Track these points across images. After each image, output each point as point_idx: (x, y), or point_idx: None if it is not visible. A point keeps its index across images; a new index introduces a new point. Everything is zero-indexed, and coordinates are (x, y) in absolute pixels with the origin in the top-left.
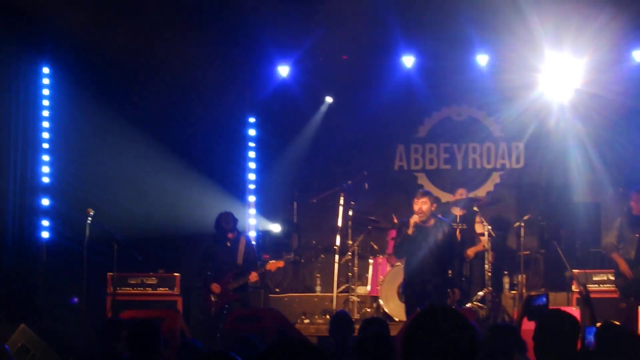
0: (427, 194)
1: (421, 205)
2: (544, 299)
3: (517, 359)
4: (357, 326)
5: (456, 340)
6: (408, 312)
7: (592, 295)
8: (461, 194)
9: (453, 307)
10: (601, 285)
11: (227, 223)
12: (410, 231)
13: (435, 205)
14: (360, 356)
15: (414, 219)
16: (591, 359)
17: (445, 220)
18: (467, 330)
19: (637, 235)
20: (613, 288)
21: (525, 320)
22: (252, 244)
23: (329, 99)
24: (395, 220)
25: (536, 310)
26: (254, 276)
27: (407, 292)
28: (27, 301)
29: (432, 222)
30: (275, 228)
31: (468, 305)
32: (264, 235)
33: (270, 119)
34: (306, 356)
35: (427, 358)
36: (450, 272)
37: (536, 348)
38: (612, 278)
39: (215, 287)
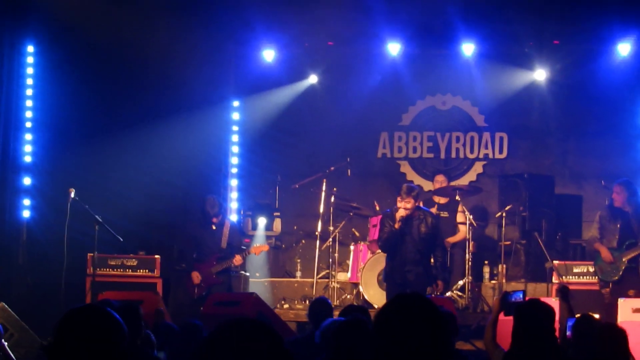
0: (412, 191)
1: (405, 204)
2: (521, 295)
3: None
4: (336, 312)
5: (423, 328)
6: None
7: (571, 287)
8: (438, 180)
9: (432, 295)
10: (581, 277)
11: (212, 207)
12: (396, 226)
13: (420, 201)
14: (338, 342)
15: (401, 213)
16: (569, 350)
17: (428, 211)
18: (435, 319)
19: (618, 225)
20: (593, 280)
21: (501, 315)
22: (237, 228)
23: (313, 79)
24: (377, 208)
25: (513, 305)
26: (238, 260)
27: (389, 282)
28: (6, 280)
29: (415, 213)
30: (261, 222)
31: (448, 294)
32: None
33: (255, 102)
34: (257, 334)
35: (396, 344)
36: (432, 261)
37: (515, 338)
38: (592, 270)
39: (196, 277)
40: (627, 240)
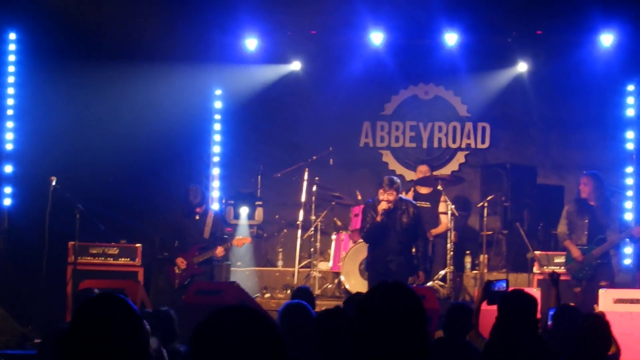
0: (393, 183)
1: (388, 196)
2: (504, 284)
3: (470, 336)
4: (317, 302)
5: (405, 317)
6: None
7: None
8: (421, 170)
9: (413, 285)
10: (562, 267)
11: (195, 197)
12: (379, 219)
13: (403, 192)
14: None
15: (383, 206)
16: (549, 339)
17: (410, 201)
18: (417, 309)
19: (586, 220)
20: None
21: (484, 304)
22: (220, 219)
23: (296, 67)
24: (360, 197)
25: (496, 294)
26: (220, 251)
27: (371, 271)
28: None
29: (397, 204)
30: (243, 211)
31: (429, 284)
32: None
33: (237, 91)
34: (248, 320)
35: (376, 332)
36: (414, 250)
37: (498, 328)
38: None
39: (181, 262)
40: (596, 236)
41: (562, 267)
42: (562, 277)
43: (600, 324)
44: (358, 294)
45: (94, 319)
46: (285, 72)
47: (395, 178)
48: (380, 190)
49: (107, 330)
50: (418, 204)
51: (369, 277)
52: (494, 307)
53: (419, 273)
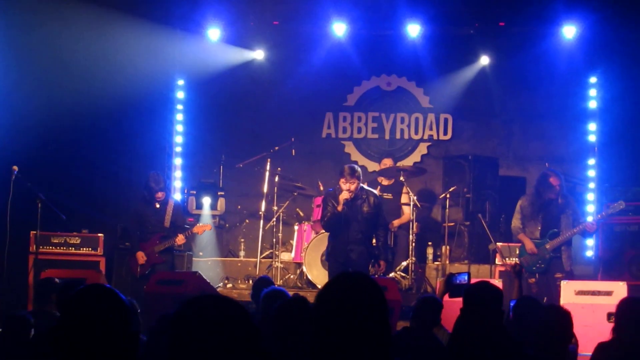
0: (354, 172)
1: (349, 186)
2: (465, 277)
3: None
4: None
5: (366, 308)
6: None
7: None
8: (385, 164)
9: (375, 275)
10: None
11: (157, 183)
12: (340, 208)
13: (365, 182)
14: (280, 321)
15: (344, 195)
16: (510, 330)
17: (371, 191)
18: (379, 300)
19: (541, 214)
20: None
21: (446, 297)
22: (180, 208)
23: (258, 58)
24: (322, 188)
25: (457, 287)
26: (180, 239)
27: (331, 261)
28: None
29: (358, 193)
30: (205, 201)
31: (391, 275)
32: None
33: (200, 82)
34: (223, 309)
35: (337, 323)
36: (374, 241)
37: (463, 319)
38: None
39: (142, 257)
40: (550, 230)
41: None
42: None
43: (563, 315)
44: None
45: (84, 311)
46: (248, 63)
47: (356, 167)
48: (342, 180)
49: (97, 322)
50: (380, 195)
51: (329, 267)
52: (456, 300)
53: (380, 262)
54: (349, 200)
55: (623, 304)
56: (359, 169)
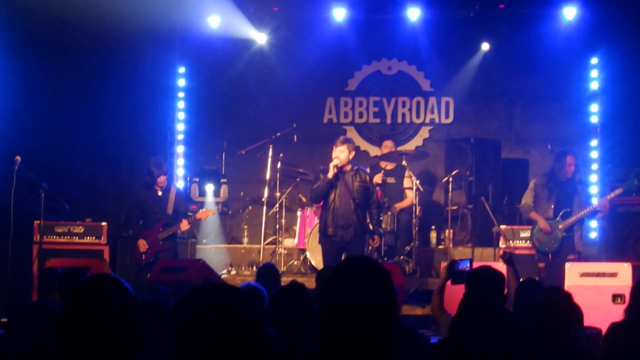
0: (346, 141)
1: (339, 153)
2: (467, 263)
3: (435, 313)
4: (283, 278)
5: (374, 292)
6: (326, 261)
7: (518, 252)
8: (386, 146)
9: (379, 260)
10: (528, 241)
11: (159, 167)
12: (330, 174)
13: (353, 152)
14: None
15: (334, 162)
16: (514, 314)
17: (362, 169)
18: (385, 283)
19: (554, 194)
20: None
21: (448, 283)
22: (183, 194)
23: (258, 44)
24: None
25: (460, 273)
26: (184, 225)
27: (325, 242)
28: None
29: (348, 167)
30: (208, 188)
31: (395, 259)
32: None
33: (201, 69)
34: (227, 298)
35: (344, 310)
36: (368, 220)
37: (466, 304)
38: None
39: (143, 245)
40: (562, 209)
41: (528, 242)
42: (525, 252)
43: (563, 297)
44: (327, 268)
45: (90, 300)
46: (249, 49)
47: (349, 138)
48: (334, 147)
49: (103, 311)
50: (383, 179)
51: (323, 248)
52: (458, 285)
53: (374, 237)
54: (339, 168)
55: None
56: (353, 142)
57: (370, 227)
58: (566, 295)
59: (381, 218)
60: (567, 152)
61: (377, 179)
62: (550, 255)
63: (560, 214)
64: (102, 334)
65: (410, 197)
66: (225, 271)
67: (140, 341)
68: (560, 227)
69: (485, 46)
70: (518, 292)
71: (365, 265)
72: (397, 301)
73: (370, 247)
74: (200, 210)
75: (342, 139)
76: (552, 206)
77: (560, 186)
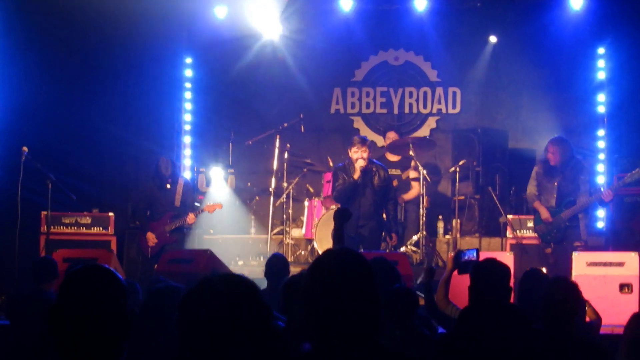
0: (365, 141)
1: (362, 154)
2: (474, 253)
3: (440, 303)
4: (291, 268)
5: (351, 281)
6: None
7: (525, 242)
8: (389, 137)
9: (387, 251)
10: (531, 230)
11: (167, 169)
12: (356, 176)
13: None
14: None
15: (360, 164)
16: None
17: (381, 165)
18: (369, 275)
19: (555, 183)
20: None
21: (455, 273)
22: (190, 186)
23: (265, 35)
24: (331, 164)
25: (466, 264)
26: (191, 218)
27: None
28: None
29: (369, 166)
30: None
31: (402, 249)
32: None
33: (208, 59)
34: (236, 289)
35: (326, 297)
36: (385, 216)
37: (472, 296)
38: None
39: (151, 238)
40: (566, 198)
41: (531, 231)
42: (532, 242)
43: (566, 287)
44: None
45: (81, 290)
46: (255, 40)
47: (364, 137)
48: (354, 149)
49: (94, 301)
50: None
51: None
52: (465, 276)
53: (391, 235)
54: (364, 169)
55: None
56: (368, 140)
57: (388, 224)
58: (571, 285)
59: (399, 217)
60: (552, 140)
61: (413, 174)
62: (552, 244)
63: (564, 202)
64: (90, 323)
65: (417, 188)
66: (232, 262)
67: (128, 331)
68: (563, 215)
69: (492, 34)
70: (521, 283)
71: (345, 256)
72: (376, 285)
73: (386, 245)
74: (208, 204)
75: (360, 139)
76: (555, 195)
77: (561, 174)
